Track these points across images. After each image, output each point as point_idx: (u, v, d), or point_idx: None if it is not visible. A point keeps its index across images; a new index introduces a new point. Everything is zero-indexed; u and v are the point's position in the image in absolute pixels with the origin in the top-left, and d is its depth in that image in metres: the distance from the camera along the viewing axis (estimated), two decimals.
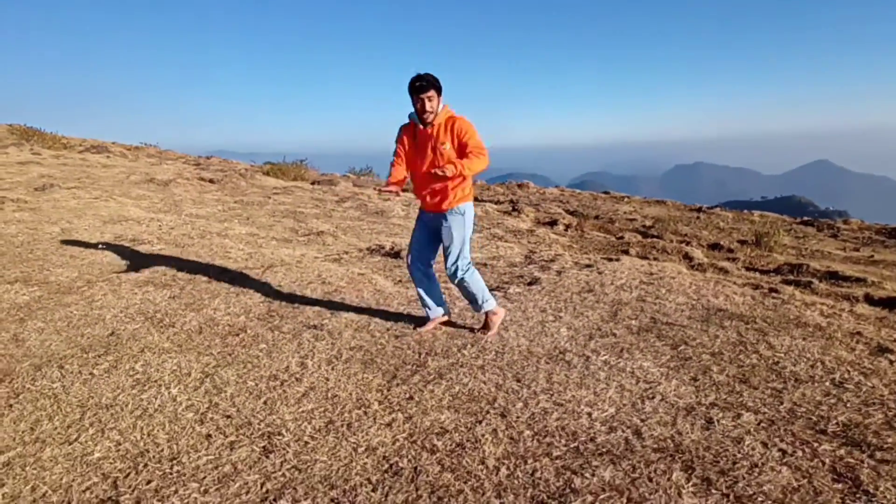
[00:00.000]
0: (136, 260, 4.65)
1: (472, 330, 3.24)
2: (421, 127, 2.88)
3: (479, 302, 3.11)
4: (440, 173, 2.66)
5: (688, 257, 6.36)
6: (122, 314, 3.40)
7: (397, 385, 2.55)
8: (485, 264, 4.98)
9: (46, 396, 2.40)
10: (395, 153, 3.02)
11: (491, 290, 4.05)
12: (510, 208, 10.12)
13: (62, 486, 1.82)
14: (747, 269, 6.29)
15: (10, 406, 2.33)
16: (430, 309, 3.24)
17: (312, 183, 12.92)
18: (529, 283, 4.22)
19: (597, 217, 10.32)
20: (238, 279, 4.20)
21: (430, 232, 3.08)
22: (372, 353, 2.91)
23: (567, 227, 8.46)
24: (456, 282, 3.07)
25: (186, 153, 22.03)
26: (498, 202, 11.65)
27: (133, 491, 1.79)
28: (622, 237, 7.86)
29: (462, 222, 3.01)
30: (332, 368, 2.71)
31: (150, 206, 8.00)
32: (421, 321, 3.33)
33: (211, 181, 11.19)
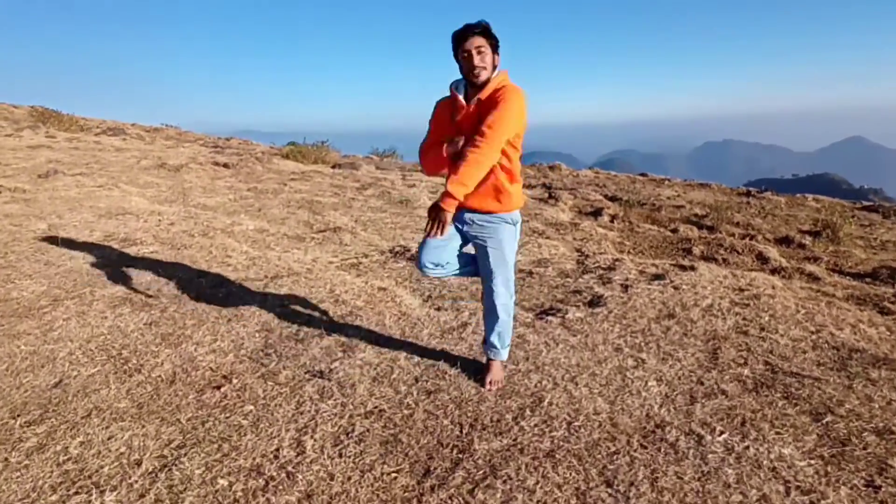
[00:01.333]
0: (121, 267, 3.94)
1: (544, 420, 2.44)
2: (460, 102, 2.12)
3: (507, 344, 2.45)
4: (436, 230, 2.00)
5: (762, 258, 5.42)
6: (79, 351, 2.68)
7: (433, 490, 1.75)
8: (530, 273, 4.13)
9: None
10: (427, 138, 2.29)
11: (545, 312, 3.22)
12: (546, 195, 9.19)
13: None
14: (834, 271, 5.34)
15: None
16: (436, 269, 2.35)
17: (333, 167, 12.15)
18: (591, 304, 3.37)
19: (641, 204, 9.33)
20: (234, 296, 3.45)
21: (456, 236, 2.31)
22: (396, 424, 2.12)
23: (613, 217, 7.52)
24: (503, 312, 2.36)
25: (211, 133, 21.52)
26: (530, 186, 10.73)
27: None
28: (676, 230, 6.90)
29: (513, 234, 2.29)
30: (340, 454, 1.93)
31: (156, 195, 7.35)
32: (472, 366, 2.57)
33: (225, 166, 10.51)
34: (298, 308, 3.27)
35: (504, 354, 2.46)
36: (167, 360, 2.61)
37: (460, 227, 2.28)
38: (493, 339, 2.41)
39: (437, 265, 2.29)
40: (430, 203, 6.66)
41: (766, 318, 3.08)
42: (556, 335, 2.90)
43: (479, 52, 2.03)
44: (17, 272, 3.79)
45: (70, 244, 4.48)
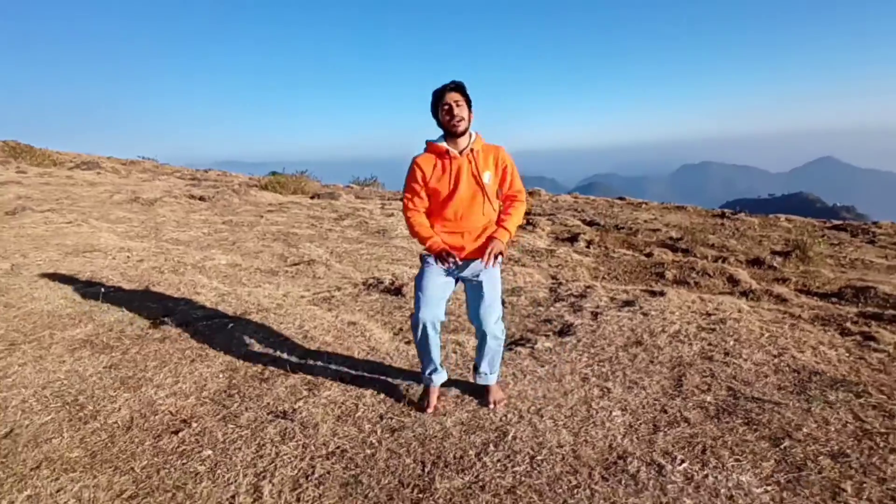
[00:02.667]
0: (85, 307, 3.87)
1: (480, 400, 2.56)
2: (453, 153, 2.34)
3: (497, 368, 2.57)
4: (493, 258, 2.30)
5: (733, 280, 5.52)
6: (33, 398, 2.60)
7: None
8: (503, 302, 4.14)
9: None
10: (410, 197, 2.42)
11: (515, 342, 3.23)
12: (524, 221, 9.29)
13: None
14: (802, 291, 5.45)
15: None
16: (436, 372, 2.53)
17: (312, 197, 12.16)
18: (561, 333, 3.38)
19: (617, 228, 9.48)
20: (200, 335, 3.40)
21: (450, 283, 2.47)
22: (357, 464, 2.08)
23: (589, 243, 7.62)
24: (495, 343, 2.47)
25: (191, 166, 21.39)
26: (524, 201, 10.83)
27: None
28: (651, 254, 7.01)
29: (499, 267, 2.50)
30: (298, 499, 1.89)
31: (127, 230, 7.26)
32: (418, 398, 2.60)
33: (201, 198, 10.46)
34: (265, 346, 3.23)
35: (497, 378, 2.58)
36: (125, 405, 2.55)
37: (454, 273, 2.44)
38: (484, 367, 2.52)
39: (436, 320, 2.39)
40: (406, 233, 6.68)
41: (731, 343, 3.12)
42: (525, 366, 2.90)
43: (458, 105, 2.27)
44: None
45: (33, 284, 4.39)
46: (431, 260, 2.41)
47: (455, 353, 3.10)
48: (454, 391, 2.64)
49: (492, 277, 2.42)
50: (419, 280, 2.43)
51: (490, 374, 2.53)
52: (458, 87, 2.28)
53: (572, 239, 7.80)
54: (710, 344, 3.11)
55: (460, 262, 2.36)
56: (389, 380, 2.79)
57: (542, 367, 2.89)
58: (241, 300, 4.11)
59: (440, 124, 2.34)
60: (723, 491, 1.88)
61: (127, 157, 20.74)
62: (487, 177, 2.34)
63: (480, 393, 2.59)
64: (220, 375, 2.86)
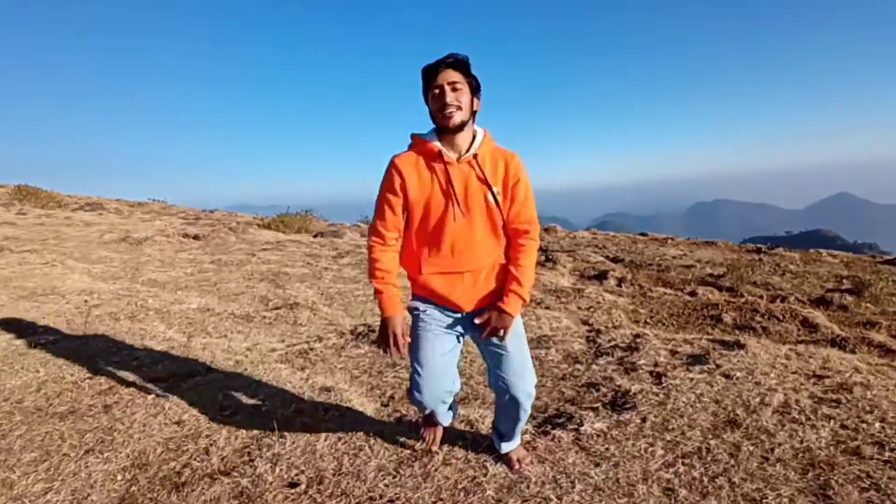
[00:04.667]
0: (3, 368, 2.99)
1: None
2: (448, 156, 1.63)
3: (519, 433, 1.99)
4: (499, 334, 1.69)
5: (808, 324, 4.51)
6: None
7: None
8: None
9: None
10: (380, 221, 1.71)
11: (549, 420, 2.27)
12: (543, 258, 8.36)
13: None
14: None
15: None
16: (444, 415, 2.02)
17: (315, 235, 11.41)
18: (615, 406, 2.40)
19: (646, 265, 8.51)
20: (119, 406, 2.48)
21: (457, 344, 1.82)
22: None
23: (620, 281, 6.64)
24: (525, 413, 1.85)
25: (202, 208, 20.96)
26: (537, 238, 9.94)
27: None
28: (695, 292, 6.00)
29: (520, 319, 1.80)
30: None
31: (103, 271, 6.47)
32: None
33: (196, 237, 9.73)
34: (198, 424, 2.29)
35: (519, 438, 2.01)
36: None
37: (462, 334, 1.81)
38: (517, 432, 1.95)
39: (445, 396, 1.84)
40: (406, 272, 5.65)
41: (870, 421, 2.12)
42: (570, 464, 1.92)
43: (455, 89, 1.59)
44: None
45: None
46: (426, 313, 1.74)
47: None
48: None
49: (516, 333, 1.75)
50: (415, 347, 1.77)
51: (515, 438, 1.98)
52: (455, 64, 1.58)
53: (600, 277, 6.82)
54: (842, 426, 2.10)
55: (405, 353, 1.72)
56: (365, 486, 1.82)
57: (597, 465, 1.90)
58: (192, 355, 3.19)
59: (431, 117, 1.64)
60: None
61: (137, 199, 20.43)
62: (493, 196, 1.66)
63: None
64: (119, 476, 1.92)
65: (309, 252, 8.39)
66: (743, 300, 5.24)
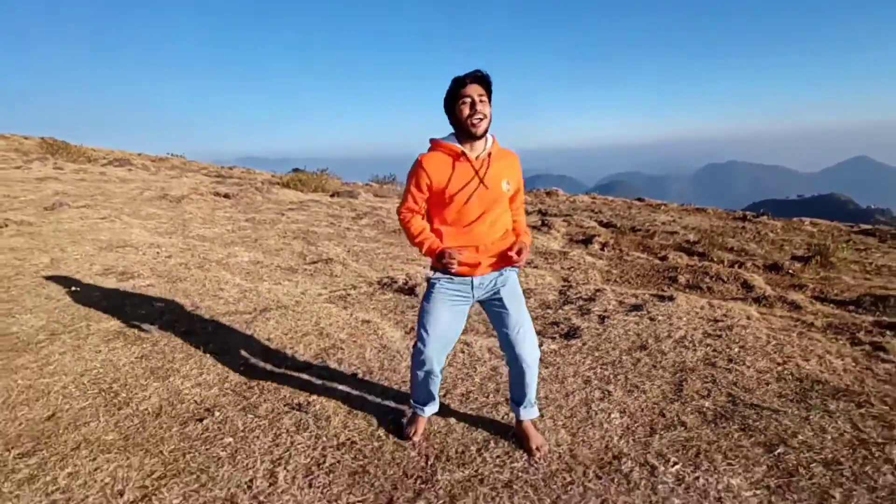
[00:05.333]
0: (117, 301, 4.10)
1: (506, 451, 2.26)
2: (469, 155, 2.00)
3: (535, 398, 2.30)
4: (517, 258, 2.06)
5: (747, 286, 5.51)
6: (72, 385, 2.81)
7: None
8: None
9: None
10: (409, 203, 2.08)
11: None
12: (539, 222, 9.35)
13: None
14: (818, 298, 5.42)
15: None
16: (431, 403, 2.37)
17: (332, 195, 12.39)
18: (567, 335, 3.48)
19: (634, 230, 9.46)
20: (222, 330, 3.59)
21: (464, 308, 2.19)
22: (365, 455, 2.23)
23: (604, 245, 7.65)
24: (534, 367, 2.19)
25: (214, 162, 21.94)
26: (526, 213, 10.90)
27: None
28: (665, 257, 7.02)
29: (517, 279, 2.24)
30: (310, 485, 2.04)
31: (156, 226, 7.54)
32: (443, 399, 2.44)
33: (226, 196, 10.76)
34: (284, 341, 3.40)
35: (537, 408, 2.35)
36: (155, 393, 2.74)
37: (469, 297, 2.15)
38: (531, 395, 2.27)
39: (441, 363, 2.21)
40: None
41: (736, 350, 3.18)
42: None
43: (482, 101, 1.92)
44: (19, 306, 3.95)
45: (71, 277, 4.65)
46: (441, 283, 2.12)
47: (463, 352, 3.22)
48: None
49: (514, 294, 2.16)
50: (426, 312, 2.13)
51: (532, 406, 2.29)
52: (482, 80, 1.92)
53: (586, 241, 7.84)
54: (714, 350, 3.18)
55: (468, 273, 2.08)
56: (397, 376, 2.93)
57: (546, 368, 2.99)
58: (262, 297, 4.29)
59: (454, 122, 1.98)
60: (712, 493, 1.97)
61: (155, 153, 21.35)
62: (506, 185, 2.06)
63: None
64: (242, 368, 3.03)
65: (330, 213, 9.41)
66: (700, 264, 6.26)
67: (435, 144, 2.04)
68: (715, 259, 7.15)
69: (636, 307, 3.98)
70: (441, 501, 1.94)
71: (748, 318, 3.77)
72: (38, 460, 2.19)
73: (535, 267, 5.90)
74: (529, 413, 2.28)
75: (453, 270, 2.05)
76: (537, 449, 2.22)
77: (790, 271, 6.63)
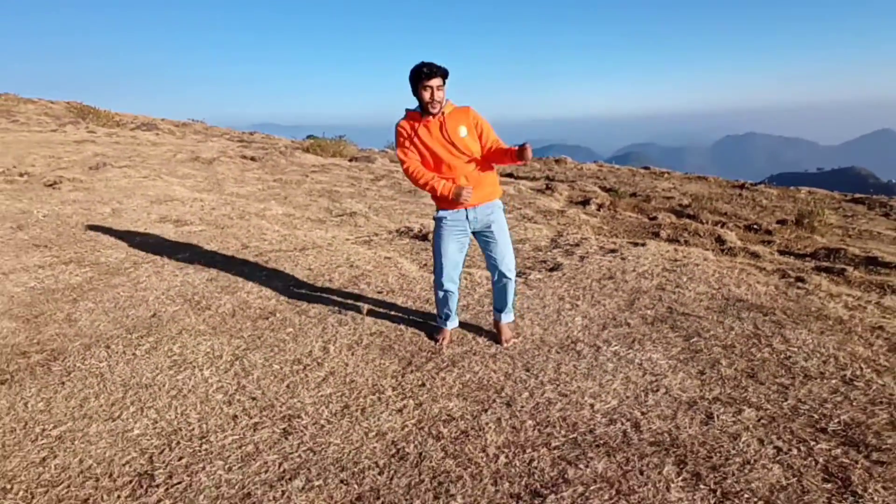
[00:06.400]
0: (178, 241, 4.96)
1: (494, 339, 3.06)
2: (430, 118, 2.60)
3: (512, 306, 3.02)
4: (526, 157, 2.47)
5: (720, 240, 6.22)
6: (163, 296, 3.67)
7: (411, 372, 2.71)
8: None
9: (94, 375, 2.69)
10: (404, 151, 2.67)
11: (518, 273, 4.14)
12: (544, 186, 10.05)
13: (105, 459, 2.07)
14: (782, 252, 6.11)
15: (63, 383, 2.62)
16: (451, 318, 3.04)
17: (350, 160, 13.13)
18: (551, 269, 4.27)
19: (633, 195, 10.12)
20: (271, 262, 4.43)
21: (464, 239, 2.80)
22: (391, 339, 3.07)
23: (600, 206, 8.36)
24: (511, 284, 2.90)
25: (232, 127, 22.74)
26: (534, 178, 11.56)
27: (166, 466, 2.02)
28: (655, 217, 7.72)
29: (504, 217, 2.85)
30: (353, 354, 2.89)
31: (194, 185, 8.38)
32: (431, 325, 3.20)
33: (253, 159, 11.55)
34: (322, 270, 4.24)
35: (513, 316, 3.05)
36: (228, 301, 3.59)
37: (468, 227, 2.73)
38: (510, 305, 2.97)
39: (457, 280, 2.85)
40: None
41: (685, 280, 3.95)
42: (517, 290, 3.81)
43: (439, 89, 2.53)
44: (100, 244, 4.82)
45: (134, 224, 5.52)
46: (446, 219, 2.70)
47: (466, 279, 4.03)
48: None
49: (502, 228, 2.76)
50: (437, 244, 2.73)
51: (509, 312, 2.98)
52: (441, 72, 2.49)
53: (585, 202, 8.55)
54: (666, 280, 3.95)
55: (471, 200, 2.62)
56: (413, 294, 3.76)
57: (531, 289, 3.80)
58: (300, 239, 5.13)
59: (419, 99, 2.57)
60: (636, 362, 2.78)
61: (169, 117, 22.11)
62: (464, 131, 2.57)
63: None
64: (291, 287, 3.88)
65: (350, 175, 10.18)
66: (682, 222, 6.98)
67: (408, 113, 2.67)
68: (703, 221, 7.82)
69: (612, 251, 4.75)
70: (445, 363, 2.78)
71: (704, 259, 4.52)
72: (155, 339, 3.06)
73: (535, 222, 6.66)
74: (507, 317, 3.02)
75: (468, 204, 2.65)
76: (506, 341, 2.98)
77: (768, 229, 7.30)
